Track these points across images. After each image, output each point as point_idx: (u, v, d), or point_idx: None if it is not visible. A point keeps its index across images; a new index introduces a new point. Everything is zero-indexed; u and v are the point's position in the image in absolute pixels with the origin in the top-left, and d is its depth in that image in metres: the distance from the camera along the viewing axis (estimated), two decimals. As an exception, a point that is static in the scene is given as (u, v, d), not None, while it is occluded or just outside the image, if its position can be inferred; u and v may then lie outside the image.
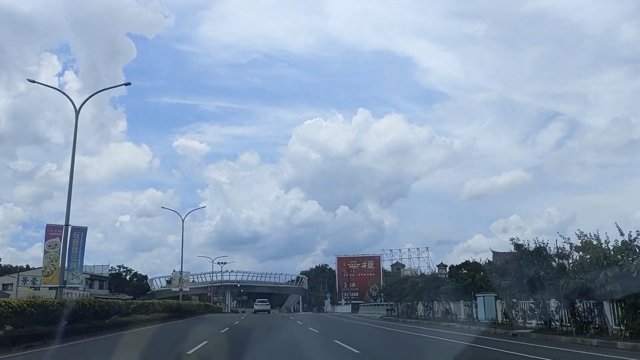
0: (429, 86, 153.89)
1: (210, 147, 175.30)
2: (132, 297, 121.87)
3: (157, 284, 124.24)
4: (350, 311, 62.53)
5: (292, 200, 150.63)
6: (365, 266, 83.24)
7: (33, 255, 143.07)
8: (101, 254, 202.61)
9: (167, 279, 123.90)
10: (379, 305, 57.40)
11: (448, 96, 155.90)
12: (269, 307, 71.66)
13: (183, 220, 57.54)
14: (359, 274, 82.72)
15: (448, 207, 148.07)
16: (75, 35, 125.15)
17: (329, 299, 72.55)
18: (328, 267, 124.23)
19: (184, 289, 66.55)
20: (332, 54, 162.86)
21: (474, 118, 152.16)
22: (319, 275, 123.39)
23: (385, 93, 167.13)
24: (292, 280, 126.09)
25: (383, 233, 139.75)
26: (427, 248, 78.50)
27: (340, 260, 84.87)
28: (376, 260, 79.54)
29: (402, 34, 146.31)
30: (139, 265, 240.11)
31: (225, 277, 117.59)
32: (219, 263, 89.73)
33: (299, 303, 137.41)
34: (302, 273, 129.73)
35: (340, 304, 73.05)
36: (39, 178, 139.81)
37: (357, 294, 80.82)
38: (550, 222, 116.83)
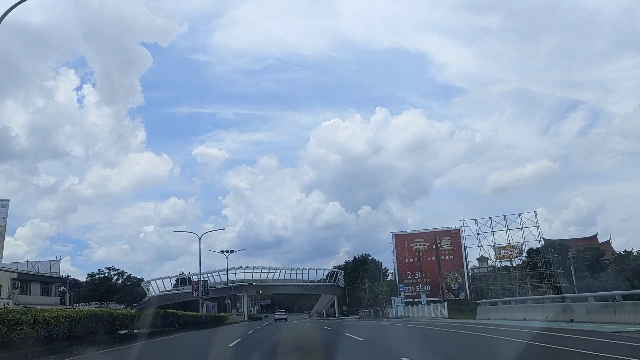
0: (446, 81, 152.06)
1: (229, 154, 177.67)
2: (124, 306, 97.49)
3: (154, 289, 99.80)
4: (446, 315, 36.27)
5: (313, 202, 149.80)
6: (438, 246, 57.23)
7: (61, 269, 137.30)
8: (128, 264, 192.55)
9: (172, 280, 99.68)
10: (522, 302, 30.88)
11: (465, 90, 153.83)
12: (286, 315, 75.52)
13: (200, 239, 50.29)
14: (428, 258, 56.67)
15: (472, 201, 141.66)
16: (90, 47, 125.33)
17: (402, 293, 46.40)
18: (370, 257, 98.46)
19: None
20: (346, 55, 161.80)
21: (492, 111, 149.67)
22: (359, 268, 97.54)
23: (402, 91, 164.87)
24: (324, 279, 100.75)
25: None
26: (535, 212, 52.17)
27: (400, 239, 59.14)
28: (454, 236, 53.36)
29: (415, 30, 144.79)
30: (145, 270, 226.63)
31: (241, 276, 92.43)
32: (223, 252, 64.46)
33: (333, 305, 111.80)
34: (335, 268, 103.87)
35: (421, 302, 46.79)
36: (62, 192, 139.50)
37: (429, 287, 54.84)
38: (579, 212, 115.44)
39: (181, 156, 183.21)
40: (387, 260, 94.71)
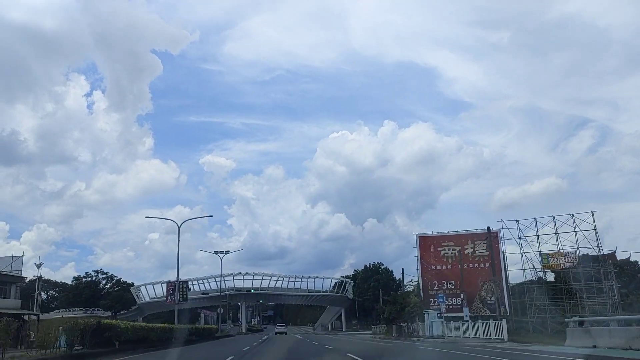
0: (454, 96, 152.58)
1: (236, 164, 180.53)
2: (111, 313, 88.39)
3: (145, 294, 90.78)
4: (505, 337, 26.17)
5: (319, 214, 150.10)
6: (471, 251, 47.89)
7: (65, 274, 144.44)
8: (132, 271, 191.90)
9: (163, 286, 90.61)
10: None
11: (474, 106, 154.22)
12: (286, 329, 76.22)
13: (179, 228, 42.48)
14: (457, 266, 47.33)
15: (478, 217, 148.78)
16: (101, 53, 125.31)
17: (442, 306, 36.45)
18: (383, 267, 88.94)
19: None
20: (355, 68, 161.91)
21: (501, 127, 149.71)
22: (370, 278, 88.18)
23: (410, 104, 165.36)
24: (331, 289, 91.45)
25: (412, 246, 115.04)
26: (592, 213, 42.66)
27: (425, 243, 49.80)
28: (491, 239, 43.85)
29: (425, 45, 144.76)
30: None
31: (240, 283, 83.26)
32: (216, 252, 55.23)
33: (339, 318, 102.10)
34: (344, 277, 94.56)
35: (437, 316, 37.36)
36: (68, 197, 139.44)
37: (457, 299, 45.41)
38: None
39: (188, 164, 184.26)
40: (398, 271, 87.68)
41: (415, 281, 71.81)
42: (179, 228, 42.62)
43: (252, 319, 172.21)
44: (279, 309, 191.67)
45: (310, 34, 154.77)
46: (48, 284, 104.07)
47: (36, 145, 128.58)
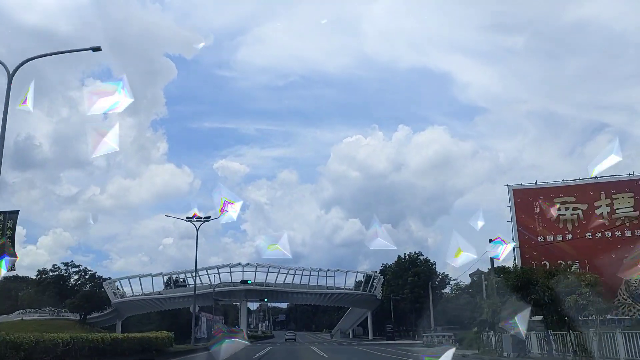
0: (468, 101, 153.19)
1: (250, 169, 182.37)
2: (80, 314, 70.22)
3: (127, 291, 72.89)
4: None
5: (333, 219, 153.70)
6: (606, 210, 28.48)
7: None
8: (145, 277, 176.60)
9: (154, 279, 72.91)
10: None
11: (488, 111, 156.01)
12: (295, 335, 73.96)
13: (198, 230, 38.37)
14: (583, 233, 27.88)
15: (493, 223, 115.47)
16: (115, 58, 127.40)
17: None
18: (422, 258, 69.85)
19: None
20: (369, 73, 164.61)
21: (516, 132, 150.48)
22: (406, 273, 68.71)
23: (424, 110, 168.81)
24: (355, 286, 72.76)
25: (427, 252, 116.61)
26: None
27: (524, 199, 30.20)
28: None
29: (438, 49, 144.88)
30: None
31: (239, 275, 64.85)
32: (190, 218, 36.57)
33: (363, 323, 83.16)
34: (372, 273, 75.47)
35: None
36: (83, 202, 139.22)
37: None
38: None
39: (202, 170, 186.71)
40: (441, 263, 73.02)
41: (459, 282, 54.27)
42: (197, 230, 37.26)
43: (261, 324, 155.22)
44: (291, 314, 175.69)
45: (324, 40, 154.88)
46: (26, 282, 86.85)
47: (51, 150, 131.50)
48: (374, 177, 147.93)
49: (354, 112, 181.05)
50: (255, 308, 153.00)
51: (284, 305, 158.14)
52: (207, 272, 64.44)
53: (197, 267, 60.46)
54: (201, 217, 36.09)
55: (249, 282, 42.84)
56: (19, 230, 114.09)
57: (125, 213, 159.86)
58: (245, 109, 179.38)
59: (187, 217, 37.14)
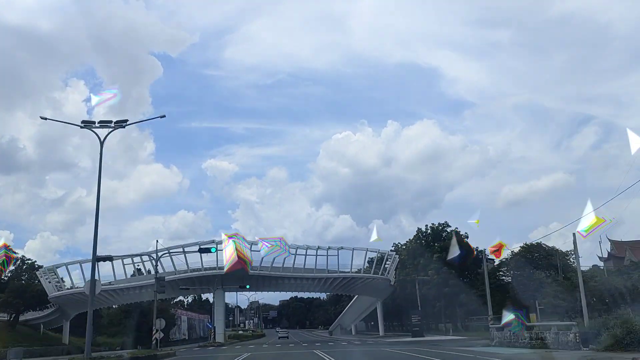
0: (457, 96, 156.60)
1: (239, 168, 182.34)
2: (10, 314, 54.82)
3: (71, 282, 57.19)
4: None
5: (324, 216, 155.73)
6: None
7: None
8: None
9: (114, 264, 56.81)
10: None
11: (476, 105, 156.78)
12: (287, 334, 71.84)
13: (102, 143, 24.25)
14: None
15: (485, 216, 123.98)
16: (99, 57, 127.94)
17: None
18: (450, 230, 54.79)
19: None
20: (357, 70, 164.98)
21: (504, 126, 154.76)
22: (429, 249, 53.67)
23: (413, 105, 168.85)
24: (366, 268, 57.67)
25: None
26: None
27: None
28: None
29: (426, 45, 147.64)
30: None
31: (213, 260, 49.25)
32: (87, 123, 20.69)
33: (371, 317, 68.20)
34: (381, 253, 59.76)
35: None
36: (70, 204, 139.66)
37: None
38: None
39: (191, 169, 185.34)
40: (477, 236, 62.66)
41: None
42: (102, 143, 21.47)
43: (248, 322, 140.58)
44: (284, 310, 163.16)
45: (311, 37, 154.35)
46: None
47: (36, 152, 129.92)
48: (364, 173, 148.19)
49: (343, 109, 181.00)
50: (246, 305, 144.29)
51: (273, 297, 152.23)
52: (169, 254, 48.63)
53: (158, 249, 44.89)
54: (107, 122, 20.35)
55: (212, 249, 27.23)
56: (6, 234, 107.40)
57: (113, 215, 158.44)
58: (234, 108, 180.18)
59: (83, 122, 21.34)
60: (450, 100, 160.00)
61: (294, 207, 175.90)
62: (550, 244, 48.54)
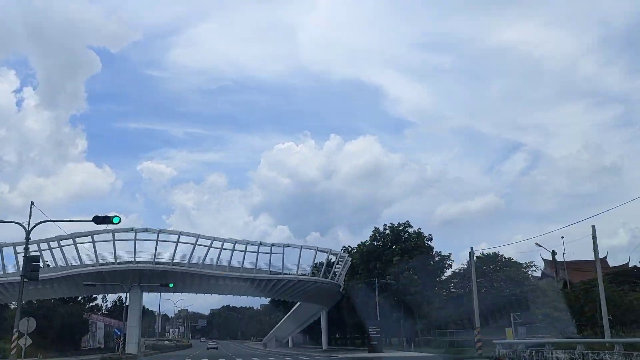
0: (398, 115, 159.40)
1: (177, 172, 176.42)
2: None
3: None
4: None
5: (261, 225, 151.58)
6: None
7: None
8: None
9: None
10: None
11: (417, 125, 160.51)
12: (217, 345, 70.71)
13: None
14: None
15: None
16: (34, 47, 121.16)
17: None
18: (411, 231, 48.75)
19: None
20: (303, 82, 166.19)
21: (442, 147, 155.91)
22: (387, 251, 47.31)
23: (356, 121, 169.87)
24: (310, 272, 50.27)
25: None
26: None
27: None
28: None
29: (372, 63, 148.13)
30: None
31: (130, 251, 40.10)
32: None
33: (311, 328, 60.96)
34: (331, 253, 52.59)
35: None
36: None
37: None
38: (518, 249, 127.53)
39: (125, 171, 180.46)
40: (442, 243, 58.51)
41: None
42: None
43: (174, 331, 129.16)
44: (214, 319, 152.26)
45: (259, 46, 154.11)
46: None
47: None
48: (304, 184, 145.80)
49: (287, 120, 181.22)
50: (174, 314, 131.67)
51: (203, 305, 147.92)
52: (74, 241, 39.14)
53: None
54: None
55: (115, 219, 18.92)
56: None
57: (37, 213, 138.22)
58: (175, 111, 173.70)
59: None
60: (393, 118, 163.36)
61: (232, 214, 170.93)
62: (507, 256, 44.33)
